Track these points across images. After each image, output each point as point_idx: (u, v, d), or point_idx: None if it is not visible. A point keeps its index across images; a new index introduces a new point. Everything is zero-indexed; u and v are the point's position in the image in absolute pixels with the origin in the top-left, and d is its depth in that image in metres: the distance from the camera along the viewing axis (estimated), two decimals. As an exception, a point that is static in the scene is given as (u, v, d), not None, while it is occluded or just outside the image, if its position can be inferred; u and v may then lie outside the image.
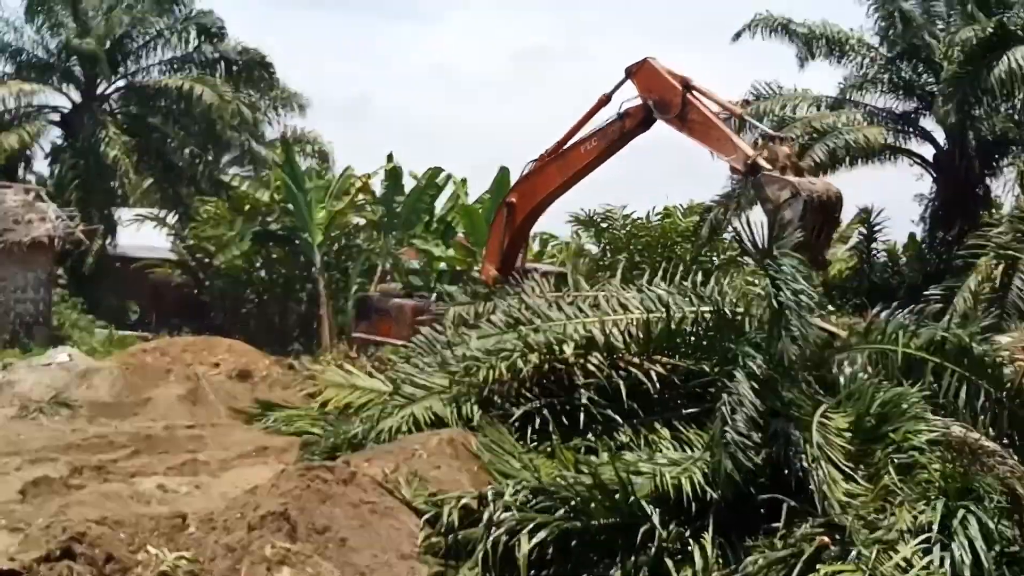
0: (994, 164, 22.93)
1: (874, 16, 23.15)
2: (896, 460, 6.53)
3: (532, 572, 6.10)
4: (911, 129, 23.74)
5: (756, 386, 6.69)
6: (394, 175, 28.66)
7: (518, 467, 7.35)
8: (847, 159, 22.31)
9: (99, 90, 31.52)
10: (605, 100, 13.74)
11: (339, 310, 27.71)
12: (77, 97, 31.27)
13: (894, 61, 23.56)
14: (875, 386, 7.36)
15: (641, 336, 8.30)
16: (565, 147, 14.18)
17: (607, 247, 21.73)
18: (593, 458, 7.15)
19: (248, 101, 33.47)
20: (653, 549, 6.14)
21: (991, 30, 18.58)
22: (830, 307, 18.15)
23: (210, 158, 32.73)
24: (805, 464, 6.45)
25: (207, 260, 30.01)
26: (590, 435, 7.77)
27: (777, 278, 7.01)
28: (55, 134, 31.70)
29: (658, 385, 7.98)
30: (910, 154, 23.91)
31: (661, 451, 7.22)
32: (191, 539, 5.65)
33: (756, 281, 9.01)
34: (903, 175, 24.35)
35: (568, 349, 8.25)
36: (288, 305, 30.37)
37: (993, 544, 5.76)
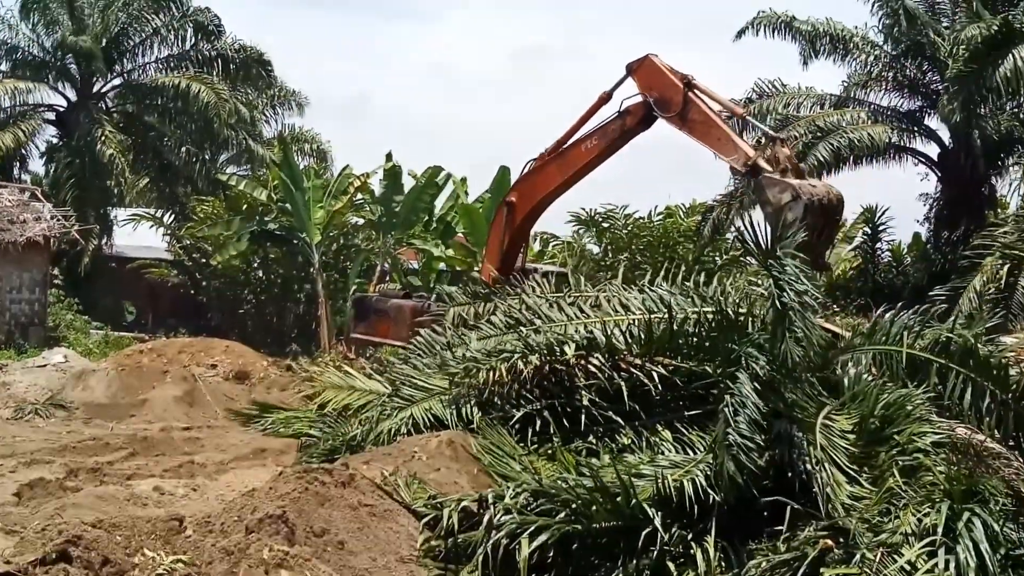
0: (999, 163, 22.95)
1: (878, 14, 23.19)
2: (900, 462, 6.47)
3: (532, 575, 6.05)
4: (916, 128, 23.74)
5: (759, 387, 6.66)
6: (393, 174, 28.59)
7: (518, 469, 7.32)
8: (851, 158, 22.33)
9: (95, 88, 31.44)
10: (606, 98, 13.68)
11: (337, 310, 27.64)
12: (73, 95, 31.22)
13: (898, 59, 23.56)
14: (879, 387, 7.31)
15: (643, 337, 8.26)
16: (565, 146, 14.14)
17: (608, 247, 21.69)
18: (594, 460, 7.12)
19: (245, 99, 33.44)
20: (655, 552, 6.11)
21: (996, 28, 18.54)
22: (834, 307, 18.19)
23: (207, 157, 32.63)
24: (808, 466, 6.42)
25: (204, 260, 29.92)
26: (591, 437, 7.75)
27: (780, 278, 6.97)
28: (50, 133, 31.70)
29: (660, 386, 7.94)
30: (915, 153, 23.93)
31: (663, 453, 7.19)
32: (188, 542, 5.58)
33: (759, 281, 8.96)
34: (908, 174, 24.43)
35: (569, 350, 8.20)
36: (286, 305, 30.29)
37: (998, 547, 5.70)
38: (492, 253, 15.23)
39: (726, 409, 6.48)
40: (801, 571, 5.75)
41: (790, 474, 6.52)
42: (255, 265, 30.33)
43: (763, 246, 7.24)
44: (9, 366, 16.62)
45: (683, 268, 10.08)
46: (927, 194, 24.04)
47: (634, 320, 8.57)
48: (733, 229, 20.34)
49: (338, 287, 28.75)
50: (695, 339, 8.16)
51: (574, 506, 6.23)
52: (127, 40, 31.07)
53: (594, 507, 6.23)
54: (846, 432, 6.81)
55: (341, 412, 9.97)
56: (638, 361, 8.21)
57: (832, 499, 6.13)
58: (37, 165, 33.07)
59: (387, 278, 28.21)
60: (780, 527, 6.16)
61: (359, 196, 28.76)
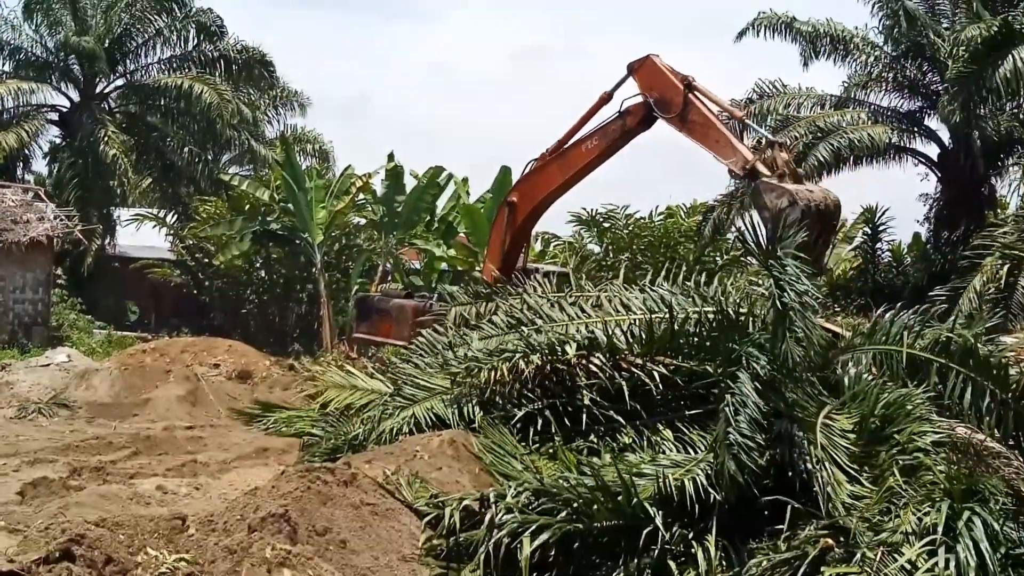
0: (999, 163, 22.95)
1: (878, 15, 23.19)
2: (901, 461, 6.48)
3: (534, 574, 6.06)
4: (916, 128, 23.75)
5: (760, 387, 6.66)
6: (395, 174, 28.60)
7: (520, 468, 7.34)
8: (851, 158, 22.34)
9: (98, 89, 31.48)
10: (606, 98, 13.68)
11: (339, 310, 27.66)
12: (76, 96, 31.25)
13: (898, 60, 23.57)
14: (879, 387, 7.31)
15: (644, 337, 8.28)
16: (566, 146, 14.13)
17: (609, 247, 21.69)
18: (595, 459, 7.14)
19: (248, 100, 33.49)
20: (656, 551, 6.12)
21: (996, 28, 18.53)
22: (834, 307, 18.18)
23: (210, 157, 32.67)
24: (809, 466, 6.43)
25: (207, 260, 29.95)
26: (592, 436, 7.77)
27: (781, 279, 6.98)
28: (53, 133, 31.76)
29: (661, 386, 7.96)
30: (915, 153, 23.93)
31: (664, 452, 7.20)
32: (191, 541, 5.61)
33: (760, 281, 8.97)
34: (908, 175, 24.45)
35: (570, 350, 8.22)
36: (288, 305, 30.32)
37: (999, 546, 5.70)
38: (493, 253, 15.23)
39: (727, 408, 6.49)
40: (802, 570, 5.75)
41: (791, 473, 6.52)
42: (257, 265, 30.36)
43: (763, 246, 7.26)
44: (13, 365, 16.65)
45: (684, 268, 10.10)
46: (927, 194, 24.09)
47: (635, 320, 8.59)
48: (734, 229, 20.33)
49: (340, 287, 28.77)
50: (696, 339, 8.17)
51: (575, 505, 6.25)
52: (130, 41, 31.11)
53: (595, 506, 6.24)
54: (846, 431, 6.82)
55: (343, 411, 10.00)
56: (639, 361, 8.23)
57: (832, 498, 6.14)
58: (40, 165, 33.20)
59: (389, 278, 28.23)
60: (781, 526, 6.17)
61: (361, 196, 28.76)
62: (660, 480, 6.37)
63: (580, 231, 22.52)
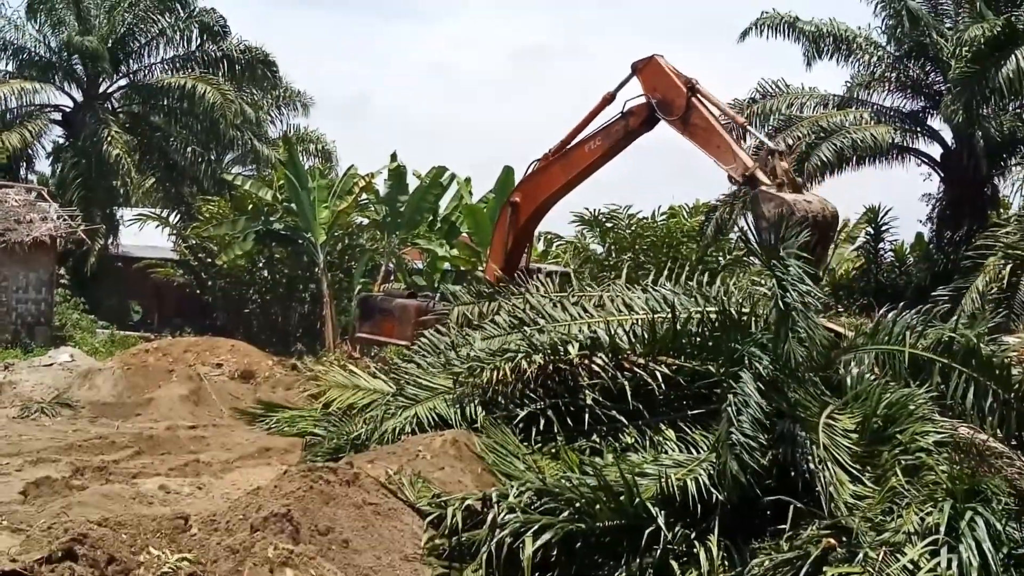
0: (1002, 163, 22.91)
1: (881, 15, 23.15)
2: (903, 461, 6.48)
3: (536, 574, 6.07)
4: (919, 128, 23.72)
5: (762, 387, 6.66)
6: (398, 174, 28.62)
7: (522, 468, 7.34)
8: (854, 158, 22.32)
9: (101, 89, 31.53)
10: (609, 98, 13.66)
11: (342, 310, 27.68)
12: (79, 96, 31.30)
13: (901, 60, 23.54)
14: (882, 387, 7.31)
15: (646, 336, 8.28)
16: (569, 146, 14.12)
17: (612, 247, 21.69)
18: (598, 459, 7.13)
19: (251, 100, 33.52)
20: (658, 551, 6.12)
21: (999, 28, 18.49)
22: (837, 307, 18.18)
23: (213, 157, 32.70)
24: (811, 466, 6.42)
25: (209, 260, 29.98)
26: (595, 436, 7.77)
27: (783, 279, 6.98)
28: (57, 133, 31.81)
29: (663, 386, 7.95)
30: (917, 153, 23.90)
31: (666, 452, 7.19)
32: (193, 540, 5.61)
33: (762, 281, 8.97)
34: (910, 175, 24.41)
35: (573, 350, 8.22)
36: (291, 305, 30.36)
37: (1001, 546, 5.70)
38: (496, 253, 15.23)
39: (729, 408, 6.49)
40: (804, 570, 5.75)
41: (793, 473, 6.52)
42: (260, 265, 30.40)
43: (766, 247, 7.26)
44: (16, 365, 16.67)
45: (686, 268, 10.06)
46: (930, 194, 24.04)
47: (638, 320, 8.59)
48: (736, 229, 20.33)
49: (343, 287, 28.79)
50: (698, 339, 8.16)
51: (578, 505, 6.25)
52: (133, 41, 31.16)
53: (598, 506, 6.24)
54: (849, 431, 6.81)
55: (346, 411, 10.01)
56: (641, 361, 8.22)
57: (835, 498, 6.13)
58: (43, 165, 33.21)
59: (392, 278, 28.23)
60: (783, 526, 6.16)
61: (364, 196, 28.79)
62: (662, 480, 6.37)
63: (583, 231, 22.53)
